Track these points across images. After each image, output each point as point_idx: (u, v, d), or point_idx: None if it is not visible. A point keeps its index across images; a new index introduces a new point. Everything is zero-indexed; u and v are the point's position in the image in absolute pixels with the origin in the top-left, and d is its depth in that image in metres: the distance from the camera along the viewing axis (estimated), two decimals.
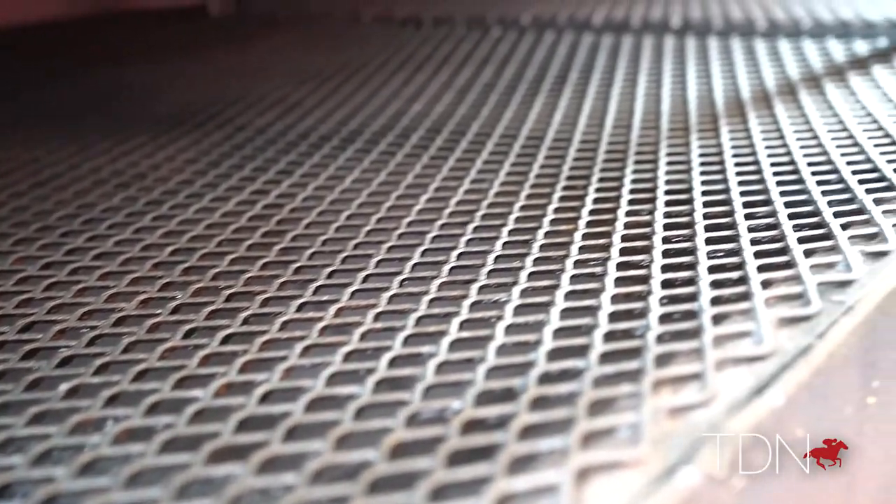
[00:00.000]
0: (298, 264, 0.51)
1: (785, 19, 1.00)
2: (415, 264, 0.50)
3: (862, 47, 0.89)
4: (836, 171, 0.57)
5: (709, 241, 0.49)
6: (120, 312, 0.46)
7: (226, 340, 0.42)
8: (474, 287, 0.46)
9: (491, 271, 0.48)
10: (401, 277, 0.48)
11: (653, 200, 0.56)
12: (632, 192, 0.58)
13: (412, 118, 0.78)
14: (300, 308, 0.45)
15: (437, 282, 0.47)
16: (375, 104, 0.83)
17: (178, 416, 0.36)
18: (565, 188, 0.60)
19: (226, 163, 0.69)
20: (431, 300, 0.45)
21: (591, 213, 0.55)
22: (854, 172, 0.56)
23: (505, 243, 0.52)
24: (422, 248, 0.52)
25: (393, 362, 0.39)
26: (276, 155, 0.71)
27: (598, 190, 0.59)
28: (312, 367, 0.39)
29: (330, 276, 0.49)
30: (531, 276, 0.47)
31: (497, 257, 0.50)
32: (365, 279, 0.48)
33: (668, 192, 0.57)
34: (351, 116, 0.80)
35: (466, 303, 0.44)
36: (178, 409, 0.36)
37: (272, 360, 0.40)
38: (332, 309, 0.44)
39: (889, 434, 0.42)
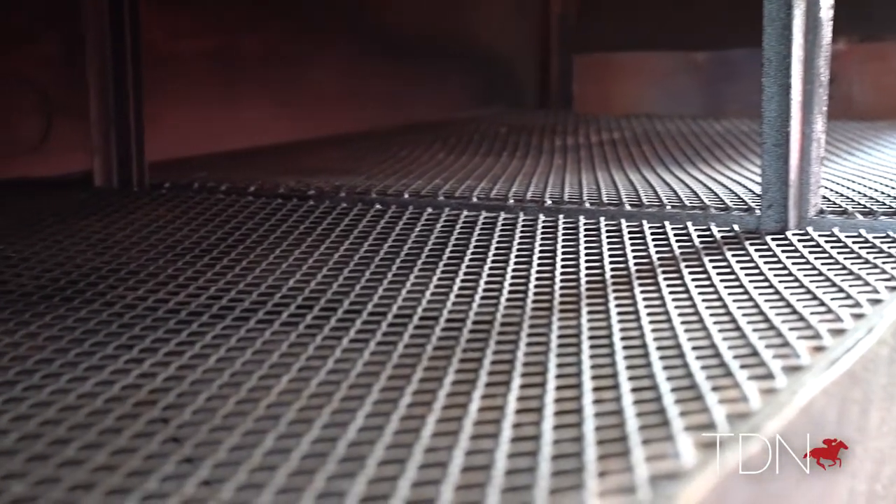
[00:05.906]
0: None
1: (652, 200, 1.06)
2: (267, 452, 0.50)
3: (716, 230, 0.94)
4: (681, 354, 0.59)
5: (556, 428, 0.50)
6: None
7: None
8: (320, 476, 0.46)
9: (342, 460, 0.48)
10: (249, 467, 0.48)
11: (508, 383, 0.57)
12: (490, 373, 0.60)
13: (284, 294, 0.79)
14: None
15: (284, 470, 0.47)
16: (249, 279, 0.84)
17: None
18: (426, 368, 0.61)
19: (89, 340, 0.69)
20: (281, 490, 0.45)
21: (448, 395, 0.56)
22: (698, 357, 0.58)
23: (360, 429, 0.52)
24: (276, 434, 0.52)
25: None
26: (143, 332, 0.70)
27: (457, 371, 0.60)
28: None
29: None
30: (379, 465, 0.47)
31: (350, 444, 0.50)
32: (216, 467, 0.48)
33: (523, 375, 0.59)
34: (224, 291, 0.80)
35: (309, 495, 0.44)
36: None
37: None
38: None
39: None
